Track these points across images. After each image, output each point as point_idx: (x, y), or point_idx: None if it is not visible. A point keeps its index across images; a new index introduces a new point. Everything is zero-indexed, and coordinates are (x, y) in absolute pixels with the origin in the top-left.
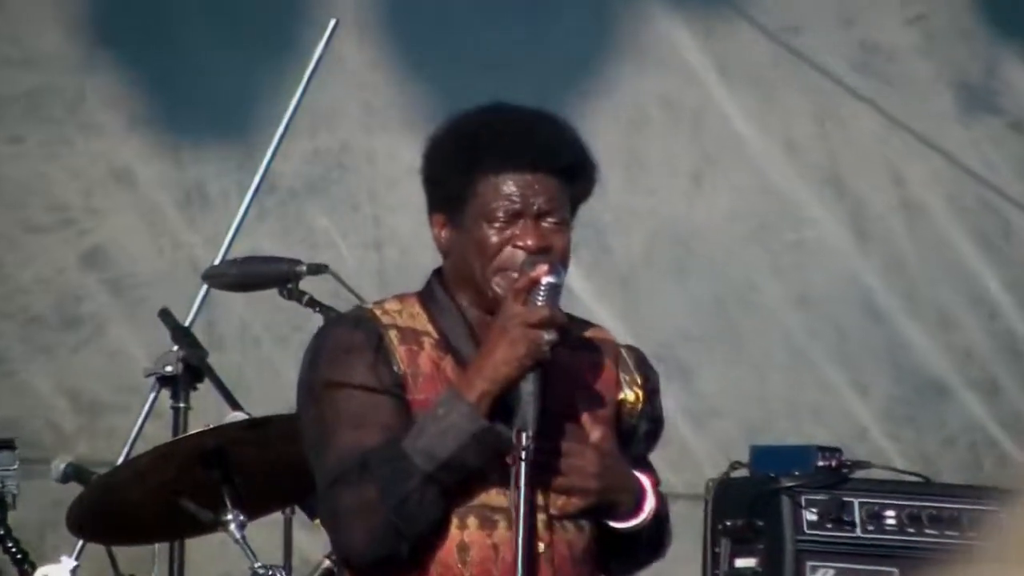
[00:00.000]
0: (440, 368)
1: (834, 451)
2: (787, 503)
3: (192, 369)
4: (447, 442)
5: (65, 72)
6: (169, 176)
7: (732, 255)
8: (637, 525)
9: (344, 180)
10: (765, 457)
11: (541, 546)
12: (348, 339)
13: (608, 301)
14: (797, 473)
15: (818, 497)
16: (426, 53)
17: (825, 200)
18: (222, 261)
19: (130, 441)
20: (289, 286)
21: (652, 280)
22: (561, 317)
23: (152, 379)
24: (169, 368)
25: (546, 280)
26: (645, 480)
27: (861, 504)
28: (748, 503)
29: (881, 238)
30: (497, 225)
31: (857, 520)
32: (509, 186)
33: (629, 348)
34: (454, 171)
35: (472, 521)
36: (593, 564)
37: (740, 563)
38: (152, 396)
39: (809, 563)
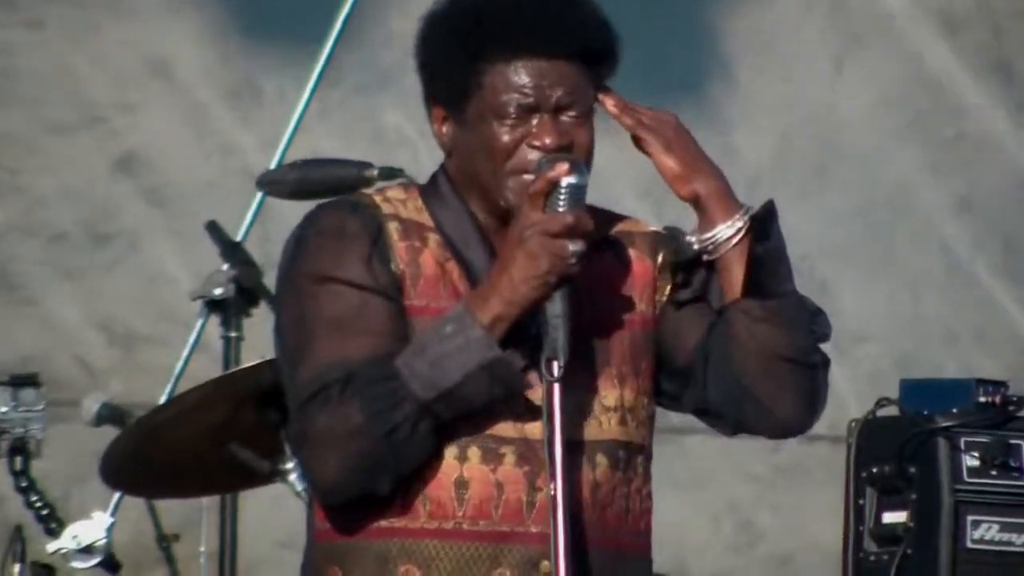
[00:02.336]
0: (445, 271)
1: (999, 384)
2: (944, 446)
3: (245, 292)
4: (451, 369)
5: None
6: (215, 68)
7: (881, 153)
8: (740, 221)
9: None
10: (917, 392)
11: (551, 488)
12: (340, 225)
13: None
14: (955, 411)
15: (980, 439)
16: None
17: (990, 87)
18: (279, 165)
19: (174, 377)
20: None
21: (786, 185)
22: (588, 223)
23: (199, 303)
24: (219, 290)
25: (567, 181)
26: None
27: None
28: (898, 447)
29: None
30: (509, 122)
31: None
32: (521, 76)
33: (664, 230)
34: (455, 58)
35: (474, 452)
36: (633, 502)
37: (888, 517)
38: (199, 324)
39: (970, 517)
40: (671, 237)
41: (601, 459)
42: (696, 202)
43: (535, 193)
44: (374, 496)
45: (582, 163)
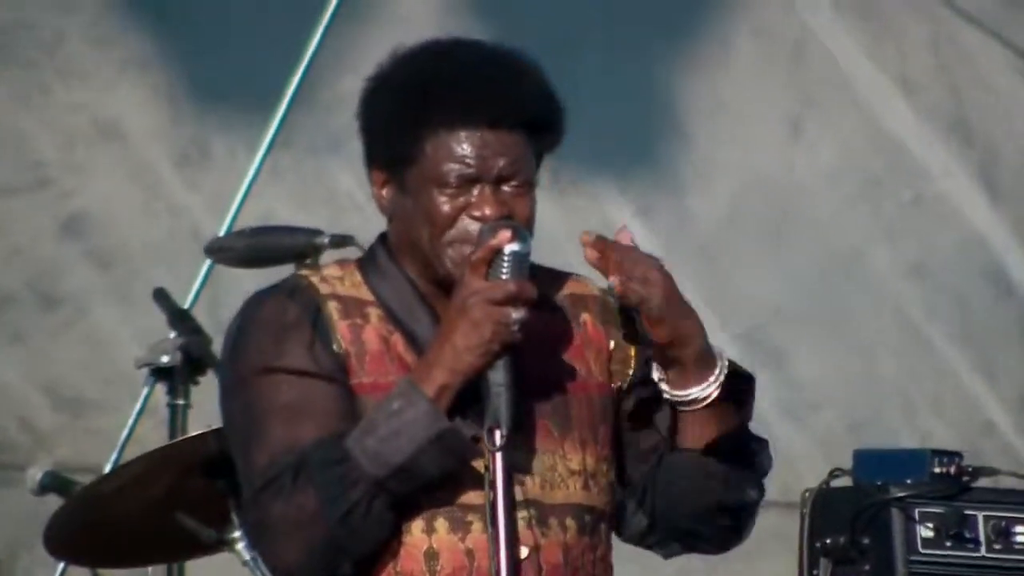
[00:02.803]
0: (389, 344)
1: (953, 455)
2: (898, 517)
3: (193, 360)
4: (401, 444)
5: (42, 7)
6: (164, 130)
7: (836, 217)
8: (713, 385)
9: None
10: (871, 462)
11: (524, 551)
12: (280, 314)
13: (687, 275)
14: (909, 481)
15: (935, 510)
16: None
17: (947, 151)
18: (229, 232)
19: (120, 444)
20: (308, 261)
21: (740, 248)
22: (531, 291)
23: (145, 371)
24: (166, 358)
25: (509, 249)
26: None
27: (986, 518)
28: (851, 517)
29: (1014, 196)
30: (449, 191)
31: (982, 537)
32: (463, 147)
33: (609, 292)
34: (398, 124)
35: (441, 524)
36: (599, 568)
37: None
38: (145, 391)
39: None
40: (627, 317)
41: (570, 522)
42: (672, 357)
43: (477, 261)
44: None
45: (525, 231)
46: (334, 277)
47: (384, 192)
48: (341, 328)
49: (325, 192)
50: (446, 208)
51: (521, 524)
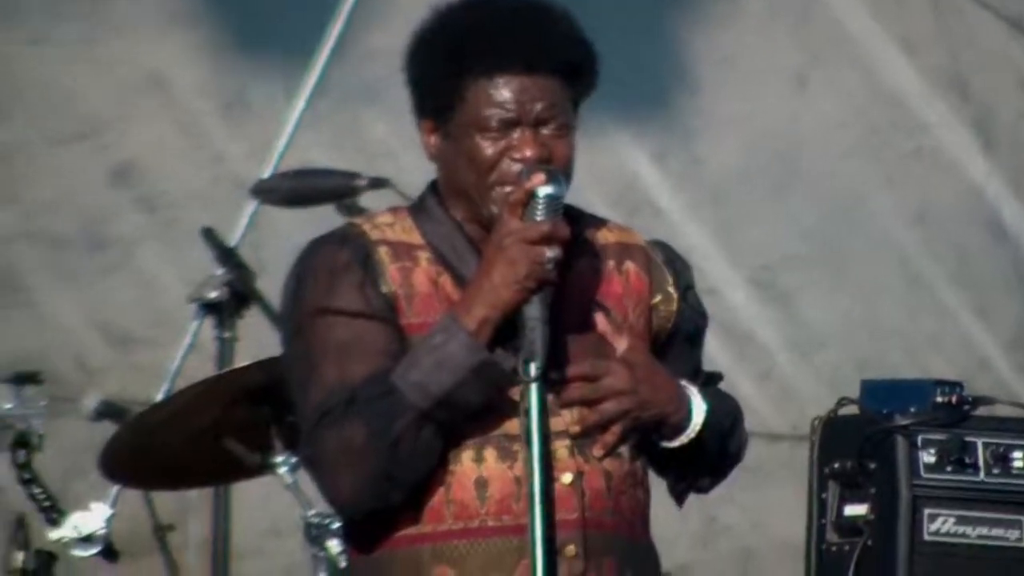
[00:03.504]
0: (439, 286)
1: (954, 385)
2: (902, 444)
3: (239, 295)
4: (443, 376)
5: None
6: (208, 81)
7: (840, 167)
8: (691, 438)
9: (403, 83)
10: (877, 393)
11: (568, 477)
12: (332, 259)
13: (699, 219)
14: (913, 410)
15: (936, 437)
16: None
17: (946, 104)
18: (273, 174)
19: (170, 375)
20: (347, 202)
21: (749, 196)
22: (564, 231)
23: (194, 306)
24: (213, 293)
25: (544, 191)
26: (690, 387)
27: (985, 445)
28: (858, 444)
29: (1008, 147)
30: (491, 135)
31: (980, 463)
32: (502, 91)
33: (655, 244)
34: (440, 75)
35: (490, 453)
36: (640, 491)
37: (849, 510)
38: (194, 324)
39: (926, 510)
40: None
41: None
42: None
43: (514, 202)
44: (399, 508)
45: (560, 174)
46: (385, 224)
47: (432, 140)
48: (391, 271)
49: (359, 140)
50: (489, 151)
51: (564, 452)
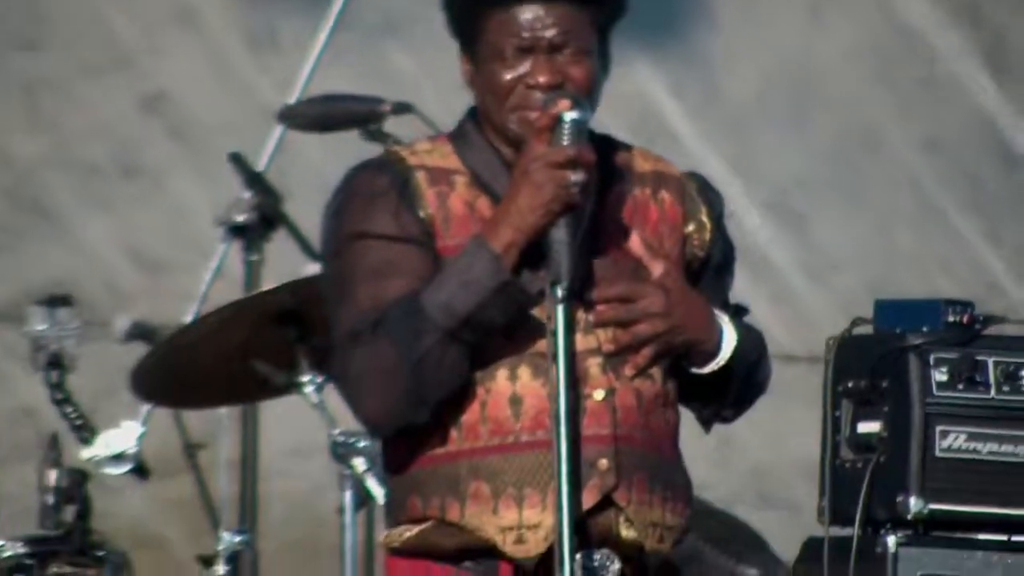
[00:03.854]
0: (475, 208)
1: (966, 305)
2: (914, 362)
3: (265, 218)
4: (468, 296)
5: None
6: (236, 15)
7: (854, 95)
8: (720, 366)
9: (428, 15)
10: (890, 312)
11: (600, 393)
12: (369, 185)
13: (717, 145)
14: (925, 329)
15: (948, 355)
16: None
17: (957, 33)
18: (299, 100)
19: (199, 298)
20: (372, 127)
21: (766, 122)
22: (589, 155)
23: (221, 229)
24: (241, 216)
25: (569, 116)
26: (722, 316)
27: (996, 363)
28: (872, 363)
29: (1020, 75)
30: (508, 63)
31: (991, 380)
32: (517, 20)
33: (690, 175)
34: (466, 7)
35: (524, 371)
36: (670, 412)
37: (863, 427)
38: (222, 248)
39: (939, 427)
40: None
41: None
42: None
43: (539, 128)
44: (439, 426)
45: (584, 100)
46: (423, 150)
47: (466, 69)
48: (428, 195)
49: (382, 71)
50: (505, 78)
51: (596, 370)
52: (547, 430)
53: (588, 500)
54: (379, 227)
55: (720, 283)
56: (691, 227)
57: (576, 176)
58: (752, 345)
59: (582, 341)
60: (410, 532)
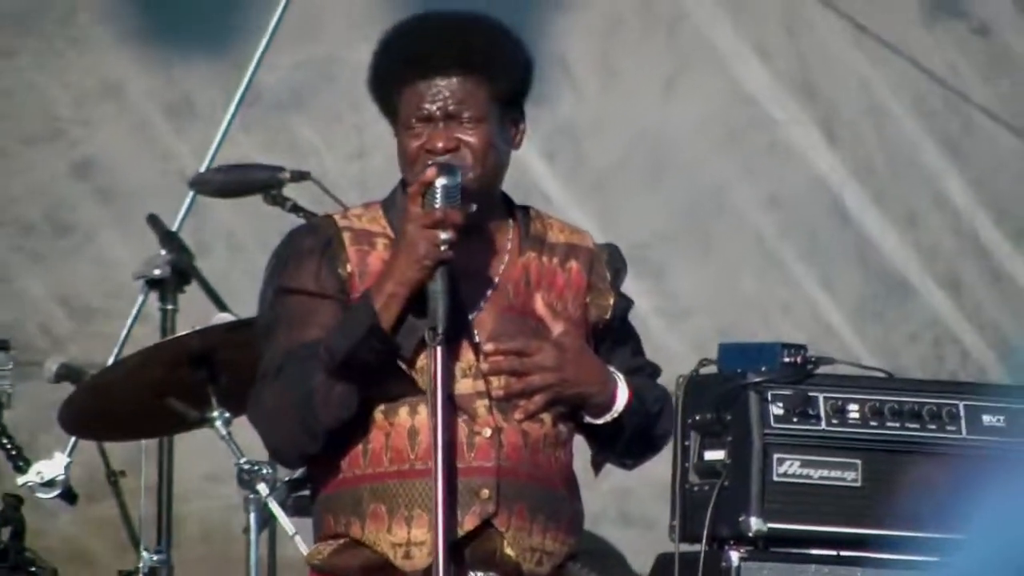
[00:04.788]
0: None
1: (799, 347)
2: (754, 398)
3: (179, 272)
4: (345, 340)
5: None
6: (158, 88)
7: (705, 159)
8: (613, 417)
9: (327, 91)
10: (733, 354)
11: (487, 431)
12: (299, 245)
13: (583, 204)
14: (764, 369)
15: (784, 392)
16: None
17: (795, 105)
18: (208, 168)
19: (120, 341)
20: (273, 192)
21: (627, 184)
22: (456, 217)
23: (141, 282)
24: (157, 271)
25: (439, 182)
26: (618, 375)
27: (826, 398)
28: (716, 398)
29: (850, 141)
30: (413, 132)
31: (822, 414)
32: (418, 92)
33: (603, 248)
34: (380, 85)
35: (422, 408)
36: (561, 452)
37: (709, 456)
38: (141, 298)
39: (775, 455)
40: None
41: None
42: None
43: (412, 193)
44: (349, 454)
45: (455, 165)
46: (355, 214)
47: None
48: (350, 253)
49: (288, 141)
50: (412, 145)
51: (483, 411)
52: None
53: (470, 523)
54: (301, 283)
55: (626, 340)
56: (594, 294)
57: (445, 235)
58: (651, 401)
59: (472, 385)
60: (327, 549)
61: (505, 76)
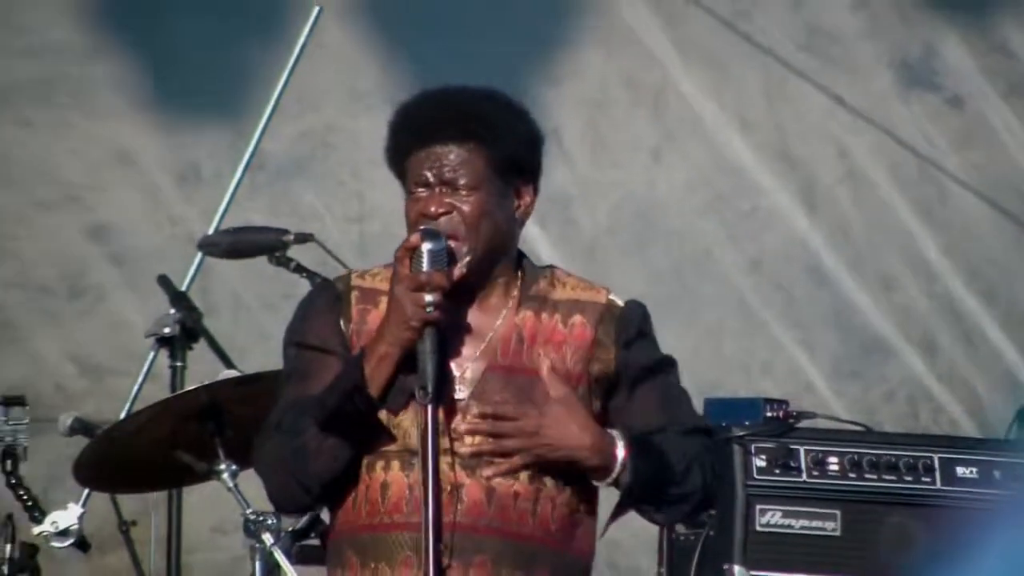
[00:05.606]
0: None
1: (781, 403)
2: (738, 451)
3: (188, 330)
4: (333, 397)
5: (71, 60)
6: (167, 156)
7: (690, 225)
8: (613, 481)
9: (329, 158)
10: (718, 409)
11: (448, 488)
12: (311, 302)
13: (574, 268)
14: (747, 423)
15: (766, 445)
16: (406, 37)
17: (776, 173)
18: (215, 231)
19: (131, 397)
20: (277, 254)
21: (615, 249)
22: (440, 279)
23: (151, 340)
24: (167, 330)
25: (425, 247)
26: (619, 437)
27: (807, 451)
28: None
29: (828, 207)
30: (416, 198)
31: (803, 466)
32: (419, 159)
33: (614, 304)
34: (391, 155)
35: (395, 464)
36: (541, 508)
37: None
38: (151, 356)
39: (758, 506)
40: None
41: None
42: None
43: (400, 257)
44: (340, 507)
45: (440, 233)
46: (372, 273)
47: None
48: (353, 311)
49: (291, 206)
50: (412, 211)
51: (445, 467)
52: (403, 514)
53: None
54: (309, 338)
55: (649, 396)
56: (599, 349)
57: (430, 296)
58: (675, 460)
59: (439, 439)
60: None
61: (503, 145)
